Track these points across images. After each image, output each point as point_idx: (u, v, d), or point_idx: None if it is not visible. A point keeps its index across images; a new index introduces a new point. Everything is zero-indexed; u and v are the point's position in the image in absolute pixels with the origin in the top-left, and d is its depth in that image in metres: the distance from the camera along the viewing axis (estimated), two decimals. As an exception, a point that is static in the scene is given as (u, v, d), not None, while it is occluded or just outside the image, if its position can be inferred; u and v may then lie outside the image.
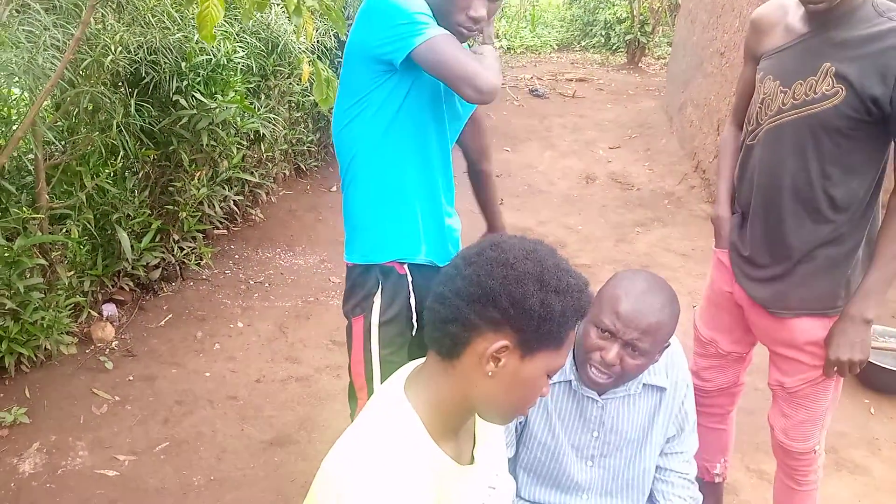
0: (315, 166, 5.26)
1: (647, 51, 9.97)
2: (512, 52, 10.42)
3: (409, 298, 1.80)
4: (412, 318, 1.82)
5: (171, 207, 3.59)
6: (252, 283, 3.84)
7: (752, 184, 1.80)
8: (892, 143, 1.62)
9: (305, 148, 5.04)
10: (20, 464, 2.43)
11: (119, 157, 3.16)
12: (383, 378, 1.76)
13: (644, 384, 1.63)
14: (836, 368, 1.72)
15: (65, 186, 3.08)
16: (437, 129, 1.76)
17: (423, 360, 1.19)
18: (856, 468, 2.65)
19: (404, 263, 1.79)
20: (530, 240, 1.12)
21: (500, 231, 2.11)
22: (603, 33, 10.55)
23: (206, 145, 3.54)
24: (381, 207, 1.77)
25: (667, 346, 1.54)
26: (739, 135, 1.95)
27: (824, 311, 1.74)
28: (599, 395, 1.61)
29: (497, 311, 1.03)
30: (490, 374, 1.06)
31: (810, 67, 1.64)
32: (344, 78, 1.74)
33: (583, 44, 11.02)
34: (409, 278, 1.80)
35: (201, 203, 3.73)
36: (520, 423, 1.66)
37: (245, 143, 4.03)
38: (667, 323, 1.47)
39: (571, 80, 8.80)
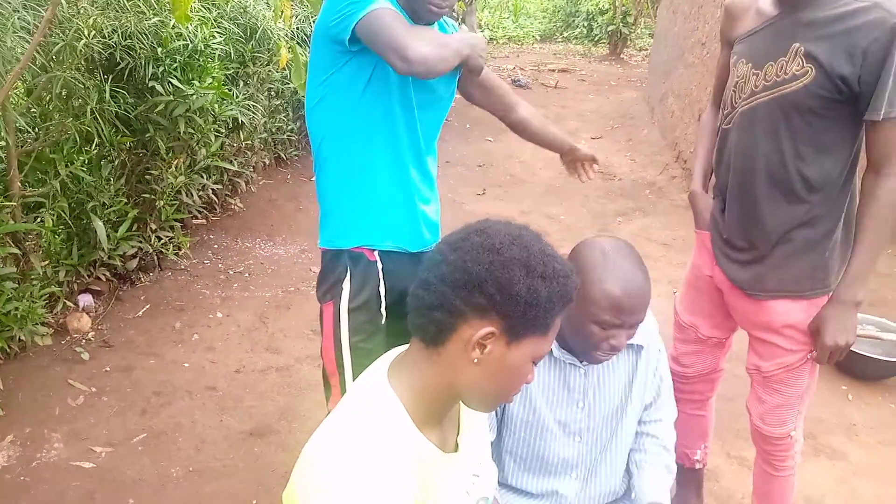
0: (295, 155, 5.21)
1: (629, 42, 9.99)
2: (495, 42, 10.39)
3: (379, 286, 1.77)
4: (382, 307, 1.79)
5: (147, 196, 3.53)
6: (231, 273, 3.79)
7: (729, 167, 1.81)
8: (864, 122, 1.63)
9: (285, 137, 4.99)
10: (-7, 456, 2.38)
11: (94, 145, 3.10)
12: (354, 365, 1.75)
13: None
14: (830, 353, 1.71)
15: (38, 174, 3.01)
16: (406, 115, 1.73)
17: (406, 347, 1.17)
18: (834, 453, 2.67)
19: (374, 250, 1.76)
20: (516, 225, 1.10)
21: (574, 151, 2.12)
22: (585, 24, 10.55)
23: (184, 133, 3.48)
24: (348, 192, 1.75)
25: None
26: (717, 117, 1.96)
27: (801, 293, 1.75)
28: (580, 362, 1.61)
29: (483, 297, 1.02)
30: (476, 360, 1.05)
31: (780, 49, 1.65)
32: (311, 59, 1.73)
33: (565, 35, 11.03)
34: (380, 265, 1.77)
35: (179, 192, 3.67)
36: (500, 406, 1.64)
37: (223, 130, 3.97)
38: (650, 288, 1.50)
39: (554, 70, 8.80)
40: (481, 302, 1.02)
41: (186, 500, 2.27)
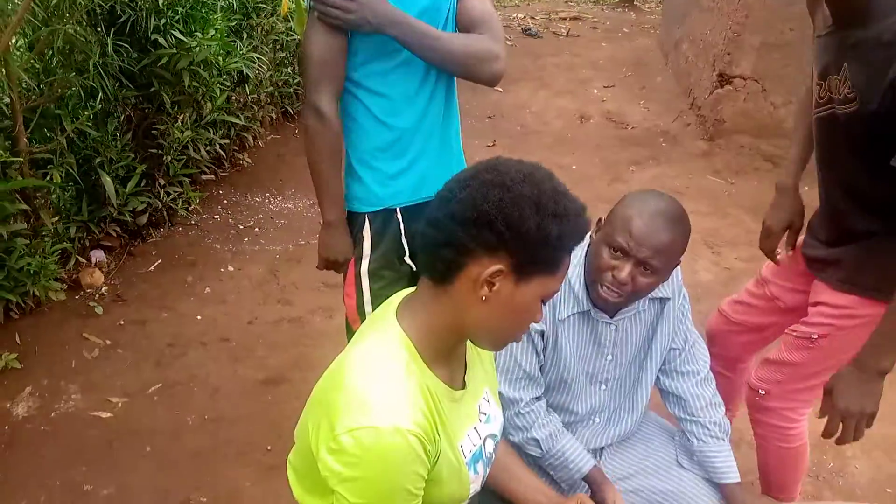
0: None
1: (642, -13, 9.70)
2: (504, -9, 10.13)
3: (401, 235, 1.81)
4: (405, 255, 1.83)
5: (155, 151, 3.51)
6: (242, 227, 3.79)
7: (817, 161, 1.72)
8: None
9: (292, 91, 4.92)
10: (13, 407, 2.43)
11: (98, 100, 3.08)
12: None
13: (650, 299, 1.64)
14: (842, 420, 1.53)
15: (44, 131, 3.00)
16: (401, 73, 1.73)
17: (414, 288, 1.16)
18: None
19: (395, 207, 1.80)
20: (527, 162, 1.08)
21: None
22: (597, -30, 10.24)
23: (188, 86, 3.44)
24: (354, 155, 1.79)
25: (677, 265, 1.52)
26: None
27: (864, 291, 1.63)
28: (612, 318, 1.62)
29: (492, 235, 1.00)
30: (484, 298, 1.03)
31: (836, 65, 1.52)
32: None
33: (576, -19, 10.72)
34: (400, 215, 1.81)
35: (186, 147, 3.64)
36: (539, 364, 1.65)
37: (229, 84, 3.92)
38: (679, 241, 1.46)
39: (565, 18, 8.58)
40: (490, 239, 1.00)
41: (202, 446, 2.31)
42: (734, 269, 3.64)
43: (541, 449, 1.62)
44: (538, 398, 1.64)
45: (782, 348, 1.83)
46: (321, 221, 1.79)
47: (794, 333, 1.79)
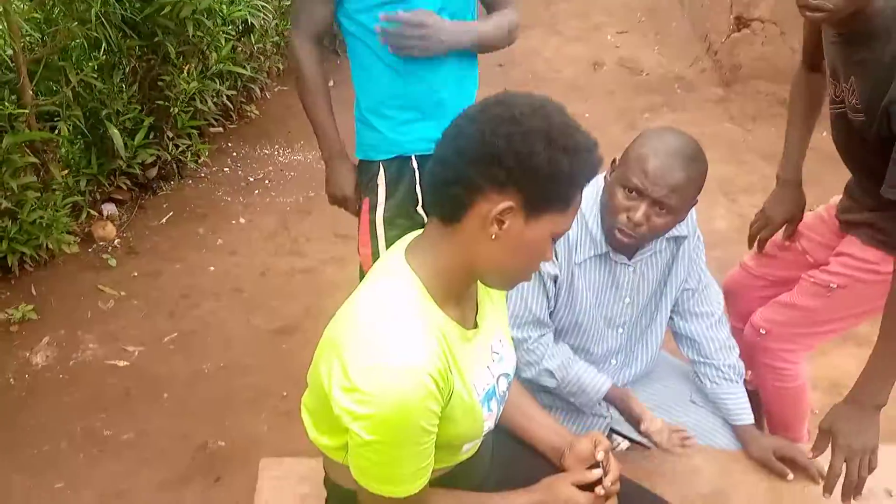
0: (310, 60, 5.08)
1: (657, -72, 9.36)
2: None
3: (415, 184, 1.81)
4: (418, 205, 1.83)
5: (161, 103, 3.47)
6: (252, 179, 3.77)
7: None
8: None
9: (299, 40, 4.84)
10: (32, 357, 2.47)
11: (102, 51, 3.04)
12: None
13: (667, 238, 1.63)
14: (847, 460, 1.45)
15: (49, 83, 2.97)
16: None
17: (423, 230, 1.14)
18: (861, 341, 2.65)
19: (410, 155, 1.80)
20: (538, 95, 1.04)
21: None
22: (611, -89, 9.89)
23: (193, 36, 3.38)
24: (365, 104, 1.79)
25: (694, 204, 1.50)
26: (811, 80, 1.82)
27: (893, 250, 1.59)
28: (630, 260, 1.60)
29: (502, 171, 0.97)
30: (494, 237, 1.01)
31: (844, 75, 1.50)
32: None
33: (589, -76, 10.37)
34: (415, 163, 1.80)
35: (193, 98, 3.60)
36: (550, 309, 1.64)
37: (234, 33, 3.85)
38: (695, 179, 1.42)
39: (577, -38, 8.33)
40: (500, 175, 0.97)
41: (218, 393, 2.35)
42: (749, 216, 3.55)
43: (555, 378, 1.62)
44: (545, 334, 1.64)
45: (796, 292, 1.81)
46: None
47: (812, 279, 1.76)
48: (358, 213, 1.86)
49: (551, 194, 1.00)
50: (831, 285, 1.70)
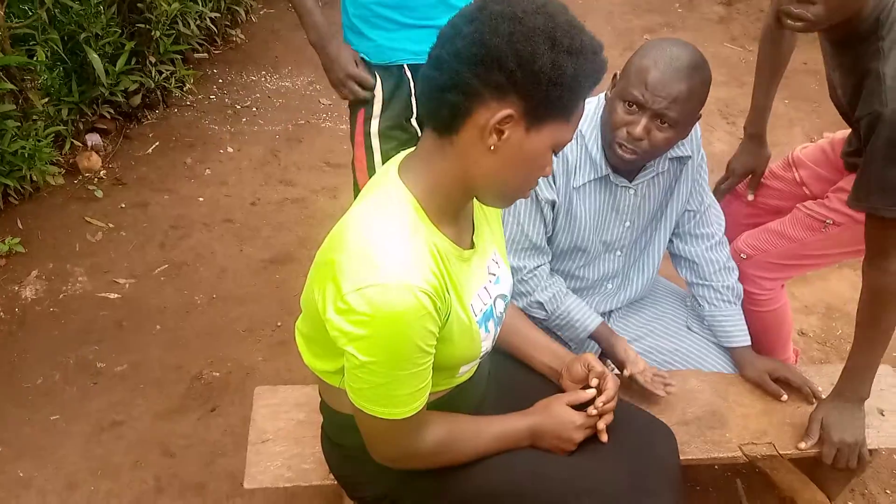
0: (296, -19, 4.86)
1: None
2: None
3: (411, 95, 1.76)
4: (412, 117, 1.80)
5: (142, 26, 3.32)
6: (239, 107, 3.66)
7: None
8: None
9: (284, -41, 4.63)
10: (21, 290, 2.43)
11: (76, -32, 2.88)
12: None
13: (670, 159, 1.58)
14: (838, 452, 1.53)
15: (22, 6, 2.83)
16: None
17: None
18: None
19: (404, 63, 1.74)
20: None
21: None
22: None
23: (171, -47, 3.21)
24: (354, 11, 1.72)
25: (698, 118, 1.44)
26: (778, 37, 1.79)
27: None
28: (631, 182, 1.56)
29: (502, 74, 0.91)
30: (492, 148, 0.96)
31: (832, 64, 1.48)
32: None
33: None
34: (410, 73, 1.75)
35: (175, 21, 3.45)
36: (547, 235, 1.61)
37: (215, -49, 3.67)
38: (697, 90, 1.37)
39: None
40: (500, 80, 0.91)
41: (211, 324, 2.33)
42: (749, 139, 3.52)
43: (545, 311, 1.60)
44: (541, 265, 1.61)
45: (787, 221, 1.78)
46: None
47: (808, 212, 1.74)
48: (372, 87, 1.78)
49: (554, 101, 0.94)
50: (827, 220, 1.69)
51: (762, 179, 1.95)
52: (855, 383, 1.54)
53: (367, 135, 1.79)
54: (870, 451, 1.59)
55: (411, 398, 1.02)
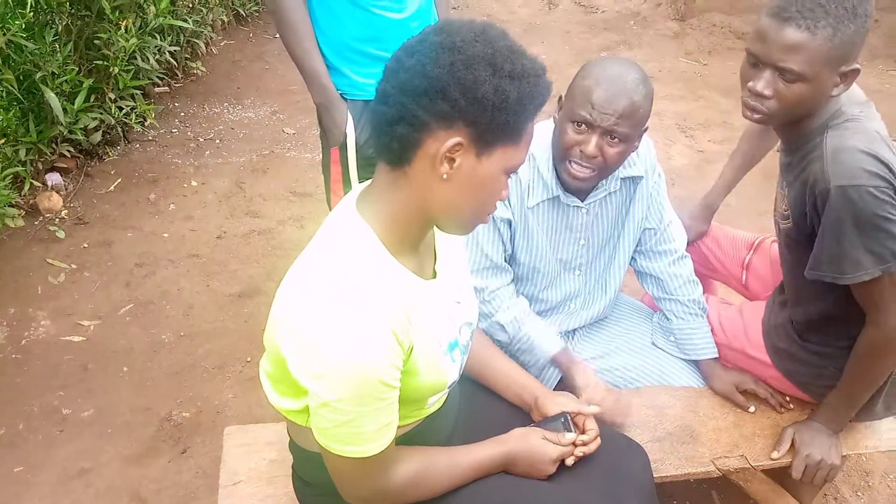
0: (256, 11, 4.85)
1: None
2: None
3: None
4: None
5: (100, 63, 3.29)
6: (202, 140, 3.64)
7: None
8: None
9: (242, -10, 4.63)
10: (-19, 338, 2.37)
11: (29, 8, 2.84)
12: None
13: (622, 179, 1.61)
14: (806, 466, 1.56)
15: (-26, 46, 2.79)
16: None
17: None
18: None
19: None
20: (479, 21, 0.98)
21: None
22: None
23: (127, -11, 3.19)
24: (328, 46, 1.74)
25: (645, 130, 1.47)
26: (765, 133, 1.84)
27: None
28: (583, 202, 1.59)
29: (447, 104, 0.92)
30: (445, 176, 0.96)
31: (783, 180, 1.51)
32: None
33: None
34: None
35: (134, 57, 3.43)
36: (508, 254, 1.62)
37: (172, -15, 3.65)
38: (642, 103, 1.40)
39: None
40: (445, 109, 0.92)
41: (180, 362, 2.29)
42: (708, 151, 3.60)
43: (507, 333, 1.61)
44: (503, 286, 1.62)
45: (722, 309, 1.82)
46: None
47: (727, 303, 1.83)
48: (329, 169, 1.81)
49: (501, 125, 0.95)
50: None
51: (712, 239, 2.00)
52: (830, 416, 1.58)
53: (345, 166, 1.79)
54: (843, 456, 1.61)
55: (378, 434, 1.01)
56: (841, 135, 1.35)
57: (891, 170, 1.31)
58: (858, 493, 1.96)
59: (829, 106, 1.39)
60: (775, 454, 1.58)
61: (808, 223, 1.41)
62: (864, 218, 1.30)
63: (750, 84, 1.36)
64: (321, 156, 2.01)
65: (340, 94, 1.75)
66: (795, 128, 1.43)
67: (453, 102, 0.91)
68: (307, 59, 1.68)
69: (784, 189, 1.51)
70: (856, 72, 1.33)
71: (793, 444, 1.59)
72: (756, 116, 1.39)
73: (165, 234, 2.92)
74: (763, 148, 1.91)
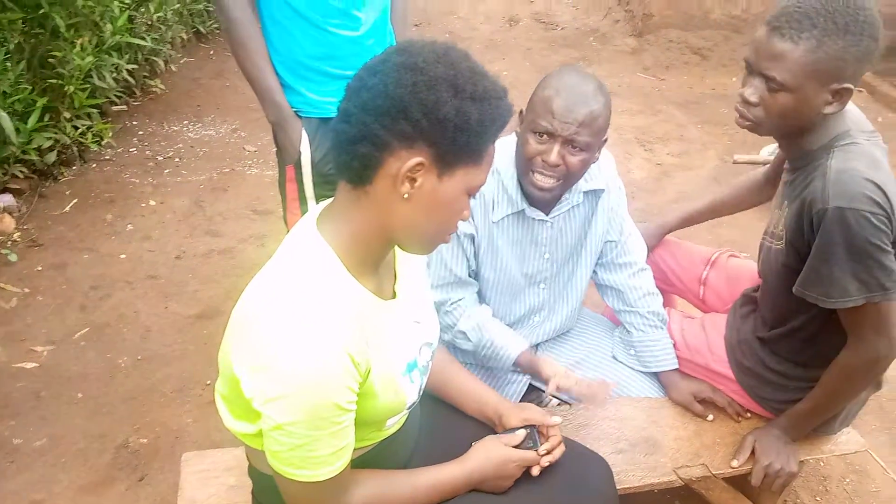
0: (216, 29, 4.83)
1: None
2: None
3: None
4: None
5: (55, 82, 3.24)
6: (161, 159, 3.59)
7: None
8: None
9: (202, 7, 4.60)
10: (-72, 366, 2.29)
11: (-22, 27, 2.79)
12: None
13: (584, 192, 1.63)
14: (765, 474, 1.58)
15: (-79, 66, 2.72)
16: None
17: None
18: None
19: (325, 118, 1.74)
20: (441, 42, 0.98)
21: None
22: None
23: (83, 6, 3.15)
24: (282, 65, 1.73)
25: (605, 140, 1.50)
26: (755, 185, 1.86)
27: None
28: (547, 216, 1.60)
29: (408, 124, 0.92)
30: (406, 196, 0.96)
31: (782, 200, 1.51)
32: None
33: None
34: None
35: (90, 75, 3.38)
36: (472, 269, 1.62)
37: (129, 2, 3.61)
38: (601, 112, 1.42)
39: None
40: (407, 129, 0.92)
41: (137, 387, 2.23)
42: (666, 164, 3.66)
43: (470, 341, 1.61)
44: (465, 297, 1.63)
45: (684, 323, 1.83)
46: None
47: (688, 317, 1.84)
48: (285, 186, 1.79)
49: (462, 146, 0.95)
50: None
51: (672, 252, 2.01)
52: (791, 426, 1.59)
53: (300, 185, 1.77)
54: (800, 461, 1.64)
55: (333, 458, 1.00)
56: (846, 157, 1.35)
57: (889, 199, 1.31)
58: (817, 498, 1.99)
59: (833, 126, 1.39)
60: (735, 462, 1.60)
61: (805, 246, 1.39)
62: (857, 243, 1.30)
63: (740, 91, 1.39)
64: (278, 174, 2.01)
65: (295, 111, 1.73)
66: (797, 144, 1.43)
67: (415, 123, 0.92)
68: (260, 76, 1.66)
69: (782, 209, 1.50)
70: (849, 91, 1.33)
71: (752, 452, 1.61)
72: (745, 123, 1.41)
73: (123, 256, 2.86)
74: (744, 202, 1.92)
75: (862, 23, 1.28)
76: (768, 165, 1.83)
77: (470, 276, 1.64)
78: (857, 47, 1.28)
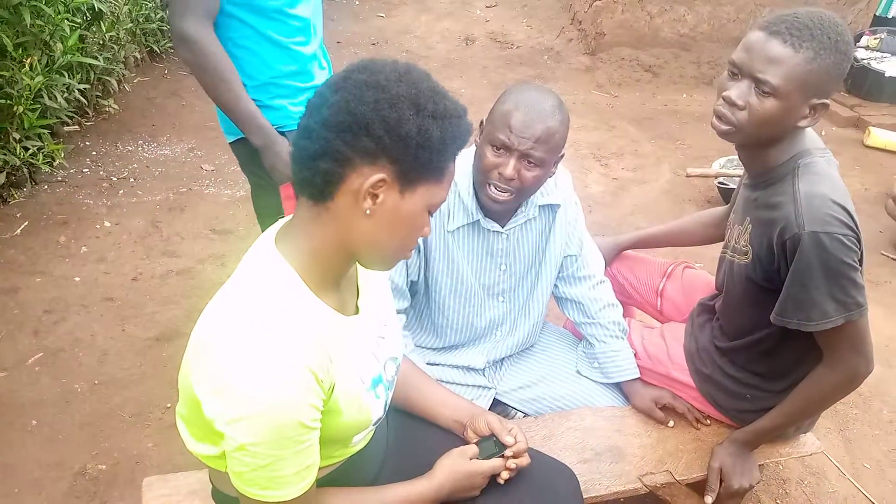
0: (170, 48, 4.77)
1: None
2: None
3: None
4: None
5: (3, 102, 3.15)
6: (115, 179, 3.52)
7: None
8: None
9: (155, 26, 4.54)
10: None
11: (-78, 47, 2.71)
12: None
13: (540, 206, 1.65)
14: (733, 495, 1.62)
15: None
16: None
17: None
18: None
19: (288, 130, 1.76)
20: (402, 62, 1.00)
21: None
22: None
23: (32, 25, 3.08)
24: (252, 86, 1.73)
25: (562, 156, 1.52)
26: (713, 219, 1.91)
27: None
28: (503, 227, 1.62)
29: (371, 140, 0.93)
30: (368, 212, 0.97)
31: (743, 216, 1.53)
32: None
33: None
34: None
35: (40, 95, 3.30)
36: (424, 275, 1.63)
37: (81, 21, 3.55)
38: (557, 129, 1.44)
39: (442, -62, 8.32)
40: (369, 146, 0.93)
41: (94, 412, 2.18)
42: (622, 178, 3.74)
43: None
44: (400, 311, 1.64)
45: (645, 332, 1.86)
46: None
47: (645, 326, 1.87)
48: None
49: (424, 163, 0.96)
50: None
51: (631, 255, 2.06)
52: (753, 436, 1.62)
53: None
54: (760, 465, 1.68)
55: (298, 478, 0.99)
56: (811, 179, 1.38)
57: (854, 220, 1.35)
58: (777, 501, 2.04)
59: (795, 142, 1.42)
60: (709, 500, 1.62)
61: (774, 264, 1.41)
62: (832, 264, 1.32)
63: (725, 93, 1.38)
64: (252, 198, 1.98)
65: (277, 128, 1.73)
66: (760, 157, 1.45)
67: (377, 139, 0.93)
68: (240, 103, 1.64)
69: (744, 224, 1.52)
70: (825, 107, 1.36)
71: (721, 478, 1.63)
72: (723, 127, 1.40)
73: (77, 278, 2.79)
74: (700, 237, 1.96)
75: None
76: (730, 205, 1.82)
77: (410, 286, 1.65)
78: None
